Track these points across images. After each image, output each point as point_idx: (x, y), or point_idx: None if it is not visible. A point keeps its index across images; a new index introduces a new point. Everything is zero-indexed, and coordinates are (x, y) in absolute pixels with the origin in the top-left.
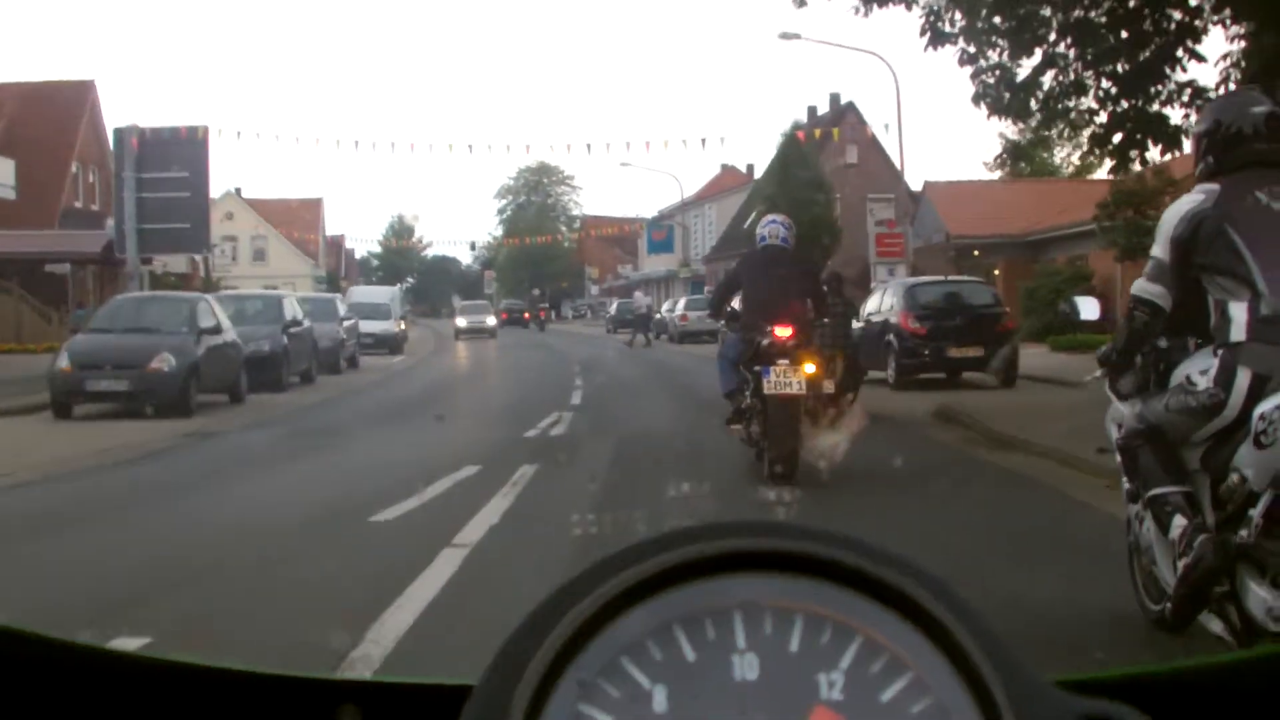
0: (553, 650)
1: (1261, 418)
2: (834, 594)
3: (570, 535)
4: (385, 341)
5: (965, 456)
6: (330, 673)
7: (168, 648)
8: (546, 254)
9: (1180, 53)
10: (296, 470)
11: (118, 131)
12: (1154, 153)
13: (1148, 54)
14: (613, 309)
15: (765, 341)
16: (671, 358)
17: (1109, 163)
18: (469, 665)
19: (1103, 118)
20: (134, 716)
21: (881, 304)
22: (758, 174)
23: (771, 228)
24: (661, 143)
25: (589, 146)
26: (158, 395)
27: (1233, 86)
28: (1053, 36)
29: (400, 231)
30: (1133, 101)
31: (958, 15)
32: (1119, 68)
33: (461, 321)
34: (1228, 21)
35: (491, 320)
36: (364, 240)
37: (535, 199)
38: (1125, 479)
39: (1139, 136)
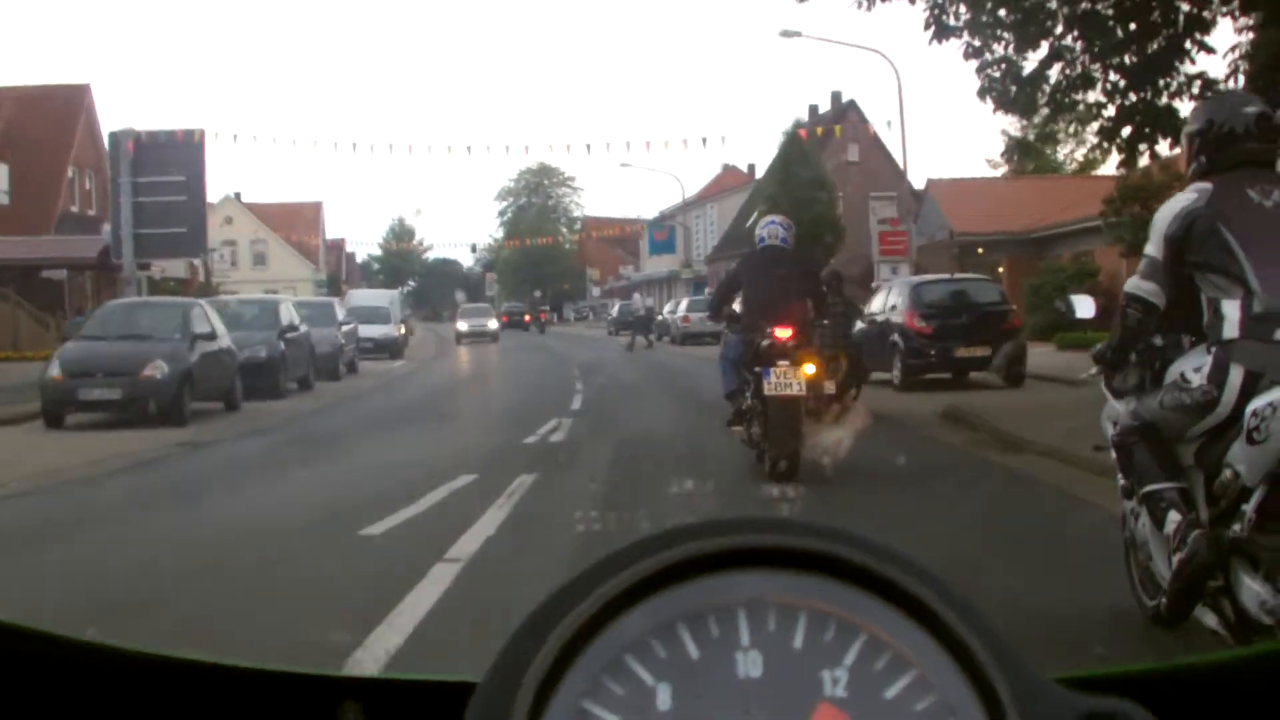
0: (556, 647)
1: (1254, 414)
2: (838, 591)
3: (568, 546)
4: (385, 346)
5: (969, 456)
6: (332, 670)
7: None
8: (548, 256)
9: (1189, 45)
10: (287, 481)
11: (113, 135)
12: (1163, 146)
13: (1156, 46)
14: (614, 311)
15: (765, 342)
16: (673, 359)
17: (1115, 158)
18: (469, 666)
19: (1110, 111)
20: (136, 714)
21: (886, 303)
22: (759, 173)
23: (771, 228)
24: (662, 142)
25: (589, 147)
26: (150, 403)
27: (1241, 79)
28: (1059, 29)
29: (401, 234)
30: (1141, 95)
31: (962, 8)
32: (1127, 60)
33: (462, 325)
34: (1236, 13)
35: (493, 324)
36: (365, 244)
37: (536, 200)
38: (1120, 475)
39: (1147, 130)
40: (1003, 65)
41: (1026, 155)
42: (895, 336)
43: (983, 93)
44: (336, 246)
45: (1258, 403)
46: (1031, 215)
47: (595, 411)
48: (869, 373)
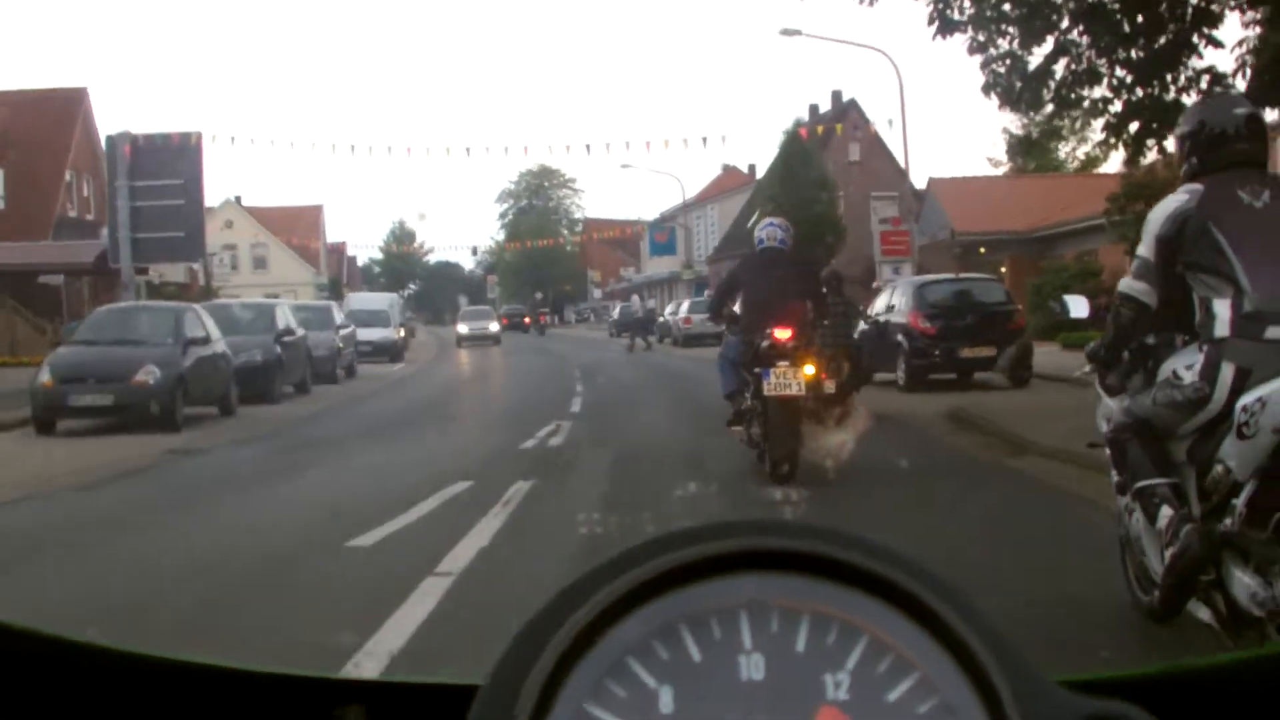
0: (559, 650)
1: (1244, 409)
2: (840, 593)
3: (566, 554)
4: (384, 349)
5: (973, 457)
6: (335, 672)
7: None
8: (549, 258)
9: (1196, 39)
10: (275, 490)
11: (110, 139)
12: (1170, 142)
13: (1163, 41)
14: (615, 312)
15: (765, 343)
16: (674, 361)
17: (1118, 155)
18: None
19: (1117, 107)
20: (137, 715)
21: (890, 303)
22: (759, 174)
23: (769, 230)
24: (662, 142)
25: (589, 148)
26: (143, 409)
27: (1249, 74)
28: (1065, 23)
29: (401, 237)
30: (1148, 90)
31: (966, 3)
32: (1133, 55)
33: (463, 328)
34: (1244, 7)
35: (494, 326)
36: (366, 247)
37: (537, 203)
38: (1114, 472)
39: (1155, 126)
40: (1007, 60)
41: (1031, 152)
42: (899, 337)
43: (987, 88)
44: (337, 250)
45: (1247, 399)
46: (1034, 214)
47: (595, 414)
48: (871, 373)
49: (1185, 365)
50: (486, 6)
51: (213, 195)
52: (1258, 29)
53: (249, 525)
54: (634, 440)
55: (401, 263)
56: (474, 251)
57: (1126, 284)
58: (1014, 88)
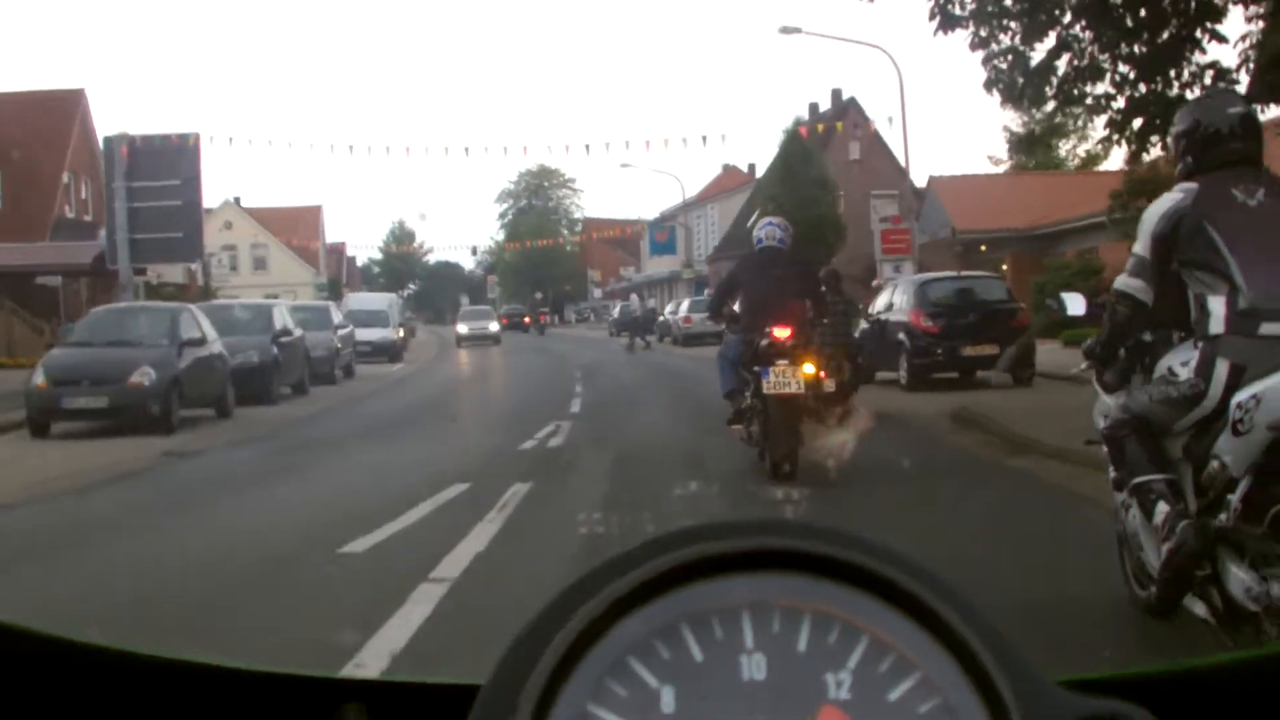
0: (560, 650)
1: (1238, 406)
2: (841, 593)
3: (564, 558)
4: (383, 349)
5: (974, 456)
6: (335, 671)
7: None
8: (549, 258)
9: (1200, 34)
10: (271, 493)
11: (107, 140)
12: None
13: (1166, 36)
14: (616, 312)
15: (764, 342)
16: (674, 360)
17: (1120, 152)
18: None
19: (1120, 103)
20: (138, 715)
21: (892, 302)
22: (759, 173)
23: (768, 230)
24: (662, 141)
25: (588, 147)
26: (138, 411)
27: (1251, 69)
28: (1067, 18)
29: (401, 237)
30: (1151, 86)
31: None
32: (1136, 50)
33: (462, 328)
34: (1247, 1)
35: (494, 326)
36: (365, 247)
37: (536, 203)
38: (1112, 468)
39: (1158, 122)
40: (1009, 56)
41: (1032, 150)
42: (901, 336)
43: (989, 84)
44: (337, 250)
45: (1241, 395)
46: (1035, 212)
47: (595, 414)
48: (872, 372)
49: (1181, 362)
50: (485, 6)
51: (212, 196)
52: (1261, 23)
53: (240, 532)
54: (634, 440)
55: (401, 263)
56: (474, 251)
57: (1122, 281)
58: (1016, 84)
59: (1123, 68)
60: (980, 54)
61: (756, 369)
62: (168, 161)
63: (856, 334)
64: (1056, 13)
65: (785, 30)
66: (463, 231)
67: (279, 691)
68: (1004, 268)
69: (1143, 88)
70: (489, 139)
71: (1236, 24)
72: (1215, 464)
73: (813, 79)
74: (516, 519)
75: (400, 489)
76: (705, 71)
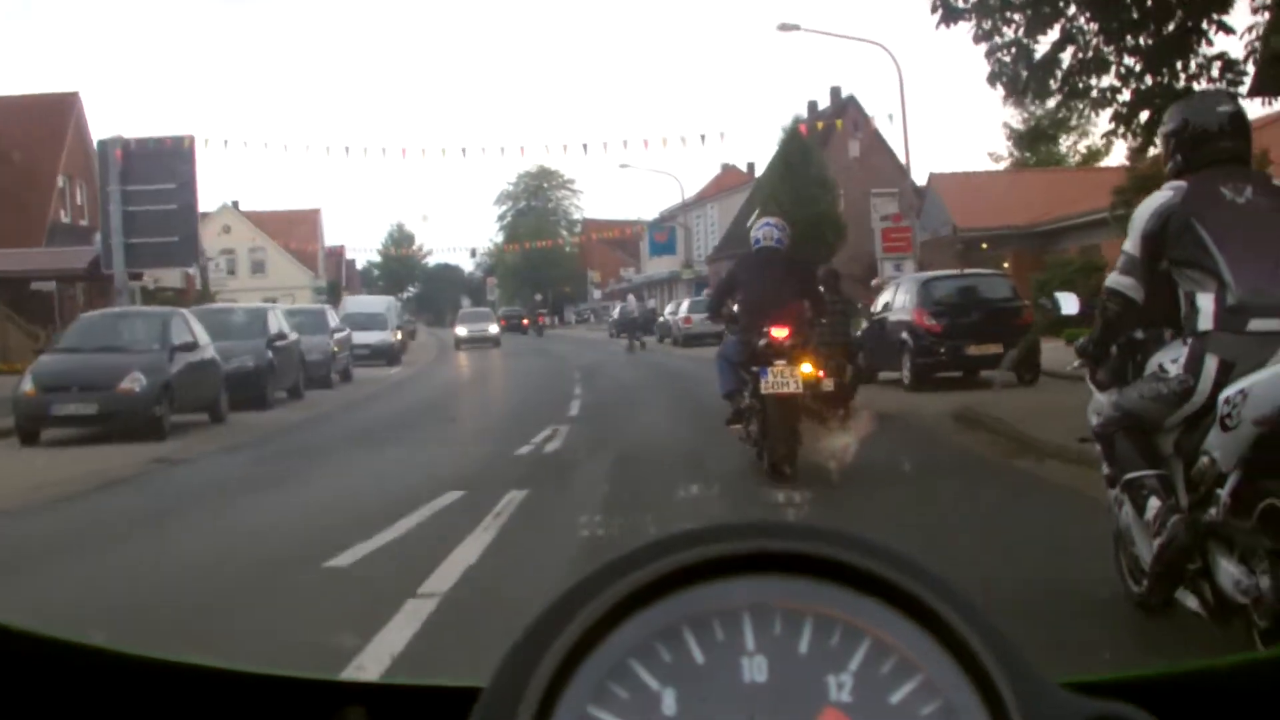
0: (562, 652)
1: (1226, 401)
2: (843, 595)
3: (561, 567)
4: (381, 352)
5: (976, 456)
6: (336, 674)
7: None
8: (548, 259)
9: (1206, 25)
10: (260, 502)
11: (101, 144)
12: None
13: (1172, 26)
14: (615, 313)
15: (762, 342)
16: (674, 361)
17: (1122, 149)
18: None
19: (1125, 96)
20: (139, 717)
21: (894, 300)
22: (759, 172)
23: (765, 230)
24: (660, 141)
25: (586, 147)
26: (128, 418)
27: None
28: (1071, 10)
29: (400, 240)
30: (1158, 78)
31: None
32: (1142, 42)
33: (461, 330)
34: None
35: (494, 328)
36: (364, 250)
37: (535, 204)
38: (1105, 465)
39: None
40: (1013, 49)
41: (1038, 144)
42: (904, 335)
43: (993, 78)
44: (336, 253)
45: (1230, 391)
46: (1036, 209)
47: (594, 417)
48: (873, 372)
49: (1170, 359)
50: (481, 6)
51: (210, 200)
52: (1267, 14)
53: (225, 543)
54: (634, 441)
55: (400, 266)
56: (472, 253)
57: (1113, 280)
58: (1020, 77)
59: (1128, 60)
60: (983, 47)
61: (755, 369)
62: (163, 164)
63: (857, 334)
64: (1061, 4)
65: (784, 27)
66: (462, 233)
67: (279, 694)
68: (1005, 265)
69: (1149, 80)
70: (487, 140)
71: (1243, 14)
72: (1205, 459)
73: (812, 77)
74: (510, 528)
75: (391, 498)
76: (704, 70)
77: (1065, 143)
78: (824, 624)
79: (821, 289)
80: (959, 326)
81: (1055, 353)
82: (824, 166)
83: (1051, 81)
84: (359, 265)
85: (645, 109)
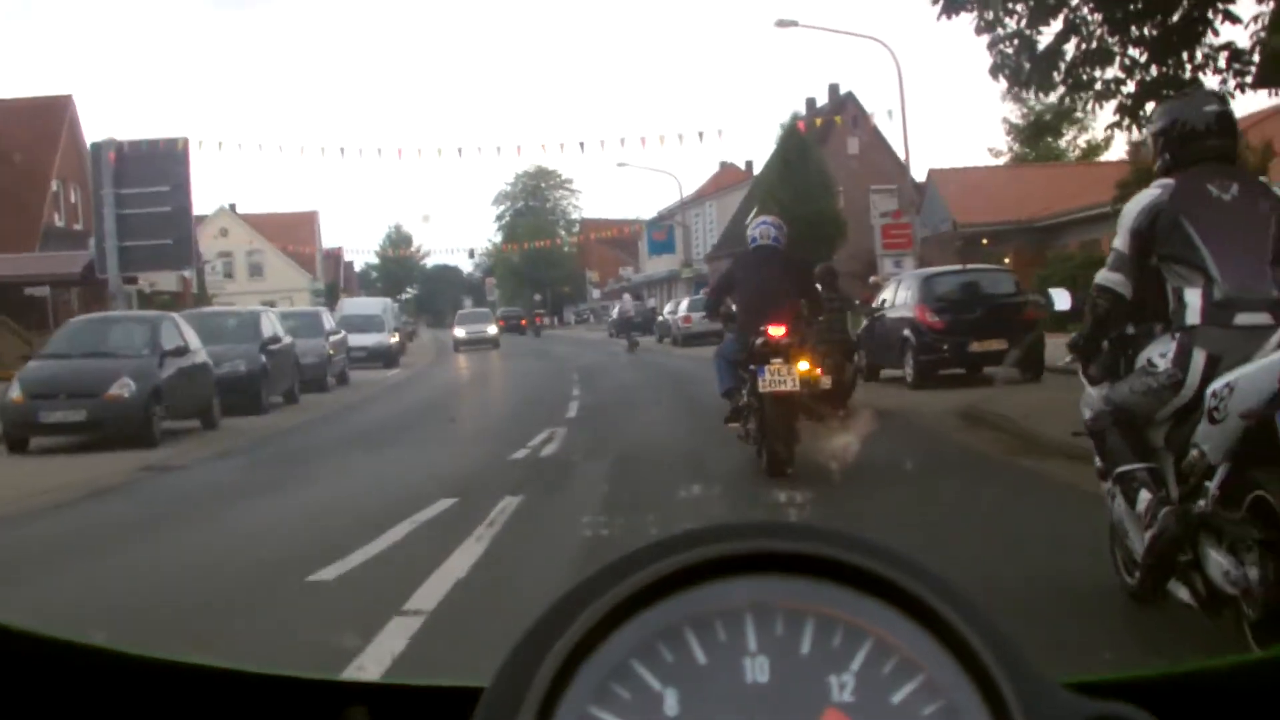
0: (563, 652)
1: (1213, 394)
2: (845, 595)
3: (557, 577)
4: (379, 355)
5: (979, 455)
6: (338, 674)
7: None
8: (547, 259)
9: (1211, 14)
10: (247, 511)
11: (94, 146)
12: None
13: (1177, 16)
14: (615, 313)
15: (759, 341)
16: (674, 361)
17: (1123, 143)
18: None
19: (1130, 87)
20: (140, 717)
21: (896, 297)
22: (757, 170)
23: (762, 228)
24: (658, 139)
25: (583, 145)
26: (117, 424)
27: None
28: (1075, 0)
29: (398, 241)
30: (1163, 69)
31: None
32: (1146, 32)
33: (460, 332)
34: None
35: (493, 329)
36: (362, 252)
37: (533, 204)
38: (1097, 459)
39: None
40: (1016, 40)
41: (1040, 137)
42: (906, 332)
43: (995, 70)
44: (334, 255)
45: (1217, 384)
46: (1036, 204)
47: (592, 419)
48: (874, 370)
49: (1159, 353)
50: (478, 6)
51: (207, 203)
52: (1272, 3)
53: (209, 554)
54: (634, 441)
55: (399, 267)
56: (471, 254)
57: (1102, 276)
58: (1023, 69)
59: (1133, 51)
60: (985, 39)
61: (752, 367)
62: (156, 167)
63: (856, 332)
64: None
65: (781, 24)
66: (460, 234)
67: (282, 694)
68: (1006, 260)
69: (1154, 71)
70: (484, 140)
71: (1249, 3)
72: (1194, 452)
73: (810, 73)
74: (503, 538)
75: (382, 506)
76: (701, 67)
77: (1065, 137)
78: (825, 624)
79: (818, 287)
80: (962, 323)
81: (1060, 349)
82: (823, 163)
83: (1055, 73)
84: (357, 267)
85: (643, 107)
